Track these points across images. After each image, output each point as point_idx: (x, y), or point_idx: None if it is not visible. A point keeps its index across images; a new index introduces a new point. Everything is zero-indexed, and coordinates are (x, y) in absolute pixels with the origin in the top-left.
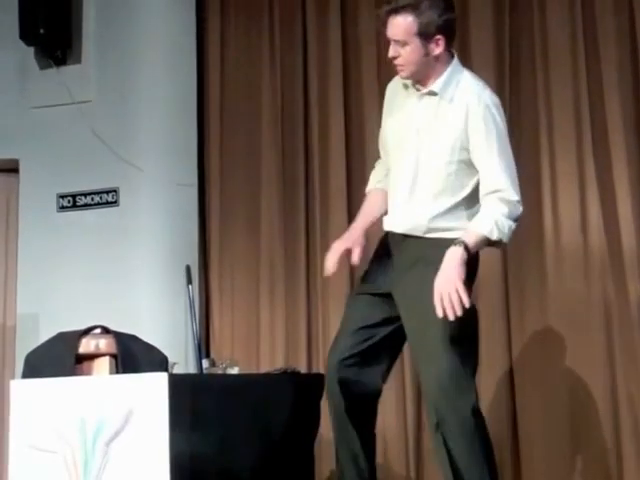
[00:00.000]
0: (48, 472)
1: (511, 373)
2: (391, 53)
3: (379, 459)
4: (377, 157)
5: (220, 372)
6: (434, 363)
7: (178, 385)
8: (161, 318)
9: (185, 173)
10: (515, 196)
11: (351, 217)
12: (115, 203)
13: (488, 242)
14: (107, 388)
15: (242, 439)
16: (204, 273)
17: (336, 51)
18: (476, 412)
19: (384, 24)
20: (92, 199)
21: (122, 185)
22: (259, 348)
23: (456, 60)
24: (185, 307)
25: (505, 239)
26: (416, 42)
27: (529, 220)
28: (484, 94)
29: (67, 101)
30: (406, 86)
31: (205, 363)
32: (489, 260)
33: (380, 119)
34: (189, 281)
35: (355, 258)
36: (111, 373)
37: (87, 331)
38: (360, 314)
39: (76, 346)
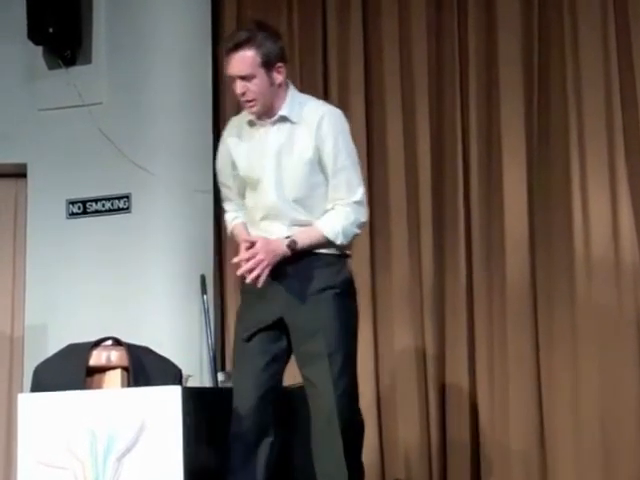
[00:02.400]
0: None
1: (539, 389)
2: (239, 90)
3: (401, 477)
4: (399, 163)
5: None
6: None
7: (192, 399)
8: (175, 329)
9: (200, 178)
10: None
11: (373, 220)
12: (127, 210)
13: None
14: (118, 402)
15: None
16: (220, 283)
17: (357, 52)
18: None
19: (227, 63)
20: (103, 205)
21: (134, 191)
22: None
23: (292, 85)
24: (200, 318)
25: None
26: (261, 73)
27: (558, 228)
28: (326, 107)
29: (77, 103)
30: (251, 123)
31: (221, 376)
32: (517, 270)
33: (402, 113)
34: (204, 291)
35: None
36: (123, 386)
37: (98, 343)
38: None
39: (86, 358)
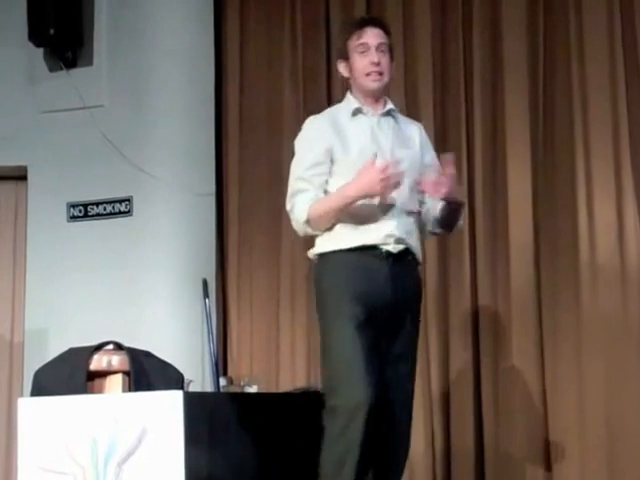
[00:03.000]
0: None
1: (544, 396)
2: (375, 58)
3: None
4: None
5: (238, 391)
6: None
7: (194, 404)
8: (176, 334)
9: (202, 181)
10: None
11: None
12: (128, 213)
13: None
14: (120, 406)
15: (261, 461)
16: (222, 287)
17: None
18: None
19: (363, 33)
20: (104, 208)
21: (136, 194)
22: (279, 365)
23: None
24: (202, 322)
25: None
26: (389, 57)
27: (564, 235)
28: None
29: (78, 105)
30: (355, 112)
31: (222, 381)
32: (522, 277)
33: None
34: (206, 295)
35: None
36: (124, 391)
37: (99, 347)
38: None
39: (87, 363)
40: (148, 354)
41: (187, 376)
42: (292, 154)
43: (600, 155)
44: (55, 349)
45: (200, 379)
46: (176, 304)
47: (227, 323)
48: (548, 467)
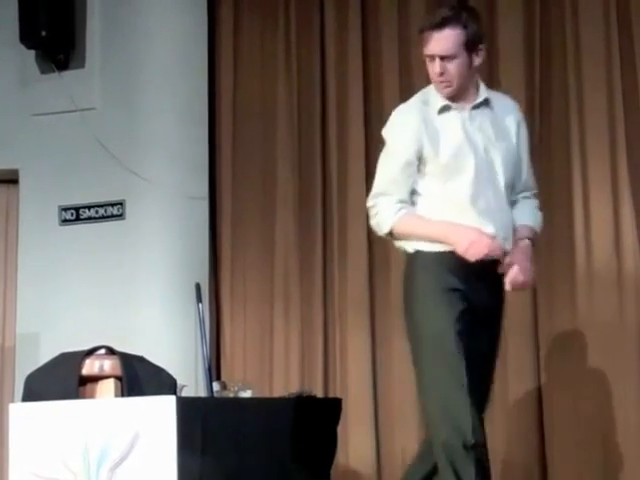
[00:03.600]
0: None
1: (540, 400)
2: (438, 69)
3: None
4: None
5: (232, 396)
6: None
7: (187, 409)
8: (169, 338)
9: (195, 185)
10: None
11: (370, 230)
12: (121, 216)
13: None
14: (112, 411)
15: (255, 466)
16: (215, 291)
17: (356, 54)
18: None
19: (426, 42)
20: (96, 212)
21: (128, 197)
22: (273, 370)
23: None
24: (195, 327)
25: None
26: (463, 54)
27: (560, 238)
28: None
29: (70, 108)
30: (445, 108)
31: (216, 386)
32: None
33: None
34: (199, 299)
35: None
36: (116, 396)
37: (91, 352)
38: None
39: (79, 367)
40: (141, 359)
41: (180, 381)
42: (285, 156)
43: (596, 154)
44: (47, 354)
45: (194, 384)
46: (169, 308)
47: (220, 327)
48: (544, 471)
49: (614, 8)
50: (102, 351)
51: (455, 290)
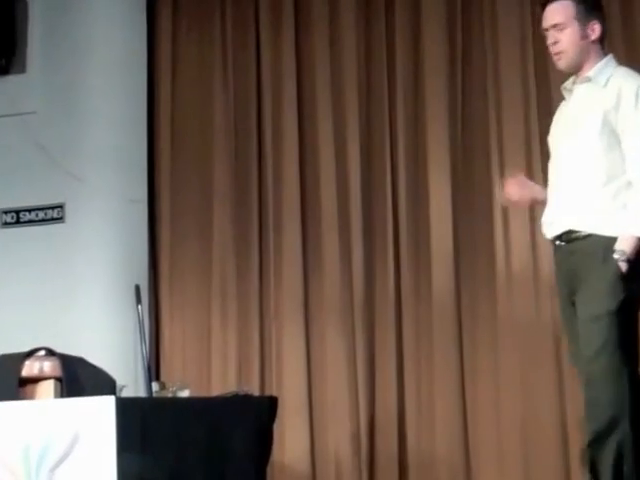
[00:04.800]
0: None
1: (463, 397)
2: (550, 39)
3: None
4: (330, 176)
5: (170, 395)
6: None
7: (126, 409)
8: (109, 340)
9: (134, 188)
10: None
11: (305, 231)
12: (61, 219)
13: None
14: (52, 412)
15: (193, 464)
16: (154, 293)
17: (289, 57)
18: None
19: (542, 18)
20: (37, 215)
21: (68, 201)
22: (211, 370)
23: (612, 56)
24: (134, 328)
25: None
26: (574, 25)
27: (481, 241)
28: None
29: (10, 112)
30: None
31: (155, 386)
32: (443, 282)
33: (333, 126)
34: (138, 301)
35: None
36: (56, 397)
37: (31, 353)
38: None
39: (19, 369)
40: (80, 360)
41: (120, 381)
42: (222, 160)
43: (513, 164)
44: None
45: (133, 384)
46: (109, 310)
47: (160, 328)
48: (467, 464)
49: (529, 16)
50: (42, 352)
51: None
